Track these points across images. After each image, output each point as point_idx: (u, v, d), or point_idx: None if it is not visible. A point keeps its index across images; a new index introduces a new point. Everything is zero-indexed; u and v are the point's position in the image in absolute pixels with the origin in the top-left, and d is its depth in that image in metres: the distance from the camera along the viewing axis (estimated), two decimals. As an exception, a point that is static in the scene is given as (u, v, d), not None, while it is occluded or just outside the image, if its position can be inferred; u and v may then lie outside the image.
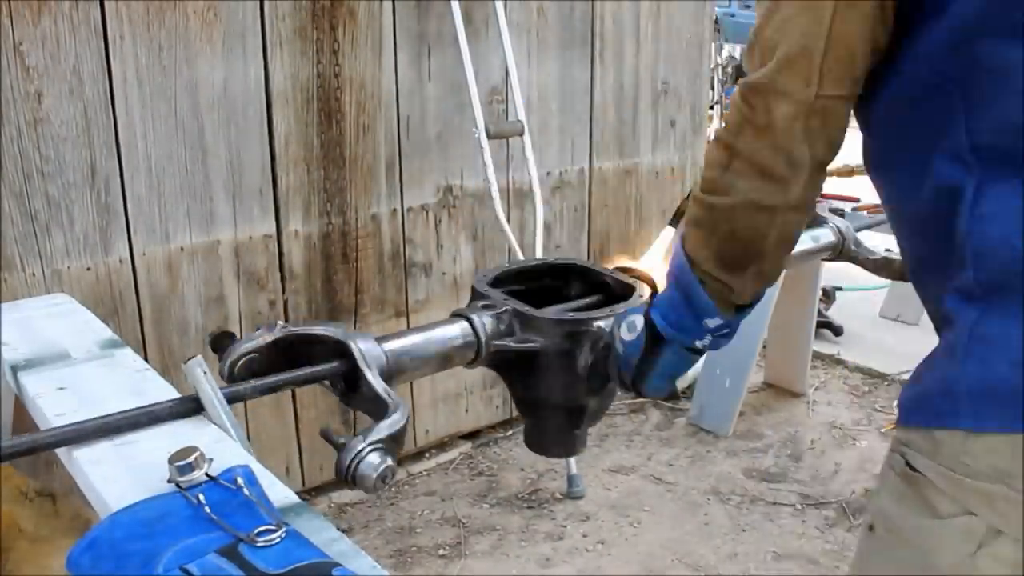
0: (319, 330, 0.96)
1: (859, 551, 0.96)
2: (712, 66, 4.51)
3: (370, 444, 0.84)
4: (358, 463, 0.83)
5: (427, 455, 2.70)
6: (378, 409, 0.92)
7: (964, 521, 0.79)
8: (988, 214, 0.76)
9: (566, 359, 1.07)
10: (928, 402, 0.81)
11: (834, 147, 0.85)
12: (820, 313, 3.41)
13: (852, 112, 0.89)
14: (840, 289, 3.79)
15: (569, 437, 1.17)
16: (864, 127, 0.90)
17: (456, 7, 2.31)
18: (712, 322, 0.93)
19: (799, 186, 0.83)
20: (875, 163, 0.91)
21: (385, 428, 0.87)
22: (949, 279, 0.80)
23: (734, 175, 0.84)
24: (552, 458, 2.28)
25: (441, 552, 2.27)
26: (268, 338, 0.93)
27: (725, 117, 0.84)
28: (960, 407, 0.77)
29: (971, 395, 0.77)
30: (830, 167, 0.89)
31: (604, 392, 1.10)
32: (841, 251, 1.57)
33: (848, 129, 0.86)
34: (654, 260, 1.23)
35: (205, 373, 0.91)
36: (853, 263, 1.61)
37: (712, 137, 0.85)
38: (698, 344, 0.96)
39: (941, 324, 0.84)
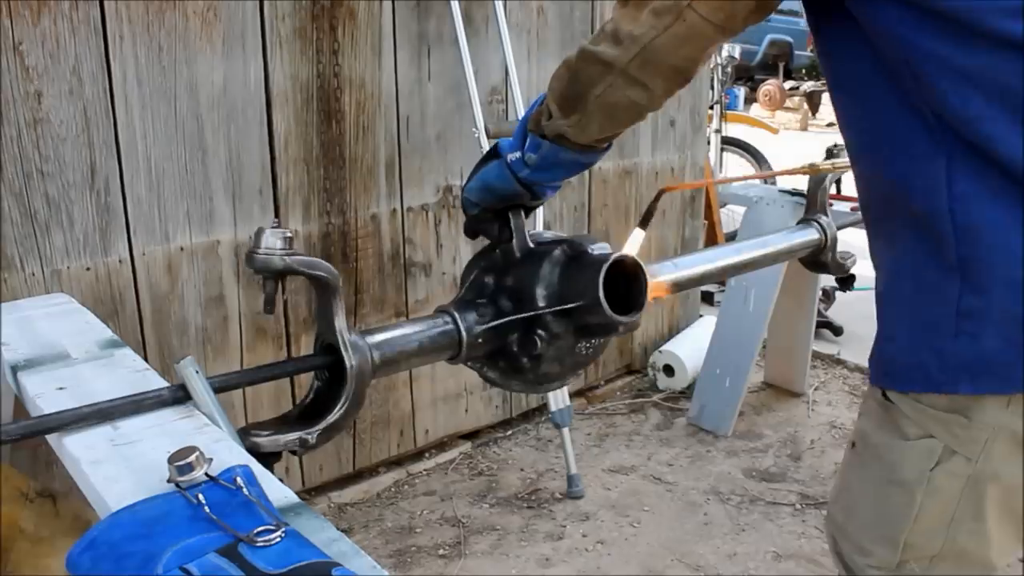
0: (320, 273, 1.05)
1: (843, 464, 1.11)
2: (712, 66, 4.51)
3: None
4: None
5: (427, 455, 2.70)
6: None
7: (926, 443, 0.94)
8: (964, 194, 0.85)
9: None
10: (924, 371, 0.92)
11: (683, 59, 0.92)
12: (820, 313, 3.41)
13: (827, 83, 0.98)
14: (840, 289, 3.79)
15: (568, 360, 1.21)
16: (835, 84, 0.98)
17: (456, 7, 2.31)
18: (528, 140, 1.06)
19: (631, 55, 0.91)
20: (848, 125, 0.98)
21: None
22: (929, 250, 0.89)
23: (603, 33, 0.94)
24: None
25: (441, 552, 2.27)
26: (278, 265, 1.01)
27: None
28: (959, 377, 0.89)
29: (968, 367, 0.88)
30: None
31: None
32: (822, 251, 1.57)
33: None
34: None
35: (197, 372, 0.94)
36: (823, 270, 1.62)
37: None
38: (511, 158, 1.08)
39: (919, 289, 0.92)
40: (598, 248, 1.13)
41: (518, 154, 1.07)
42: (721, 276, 1.43)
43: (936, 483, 0.93)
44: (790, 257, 1.61)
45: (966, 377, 0.88)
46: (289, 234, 0.99)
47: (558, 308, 1.10)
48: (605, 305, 1.05)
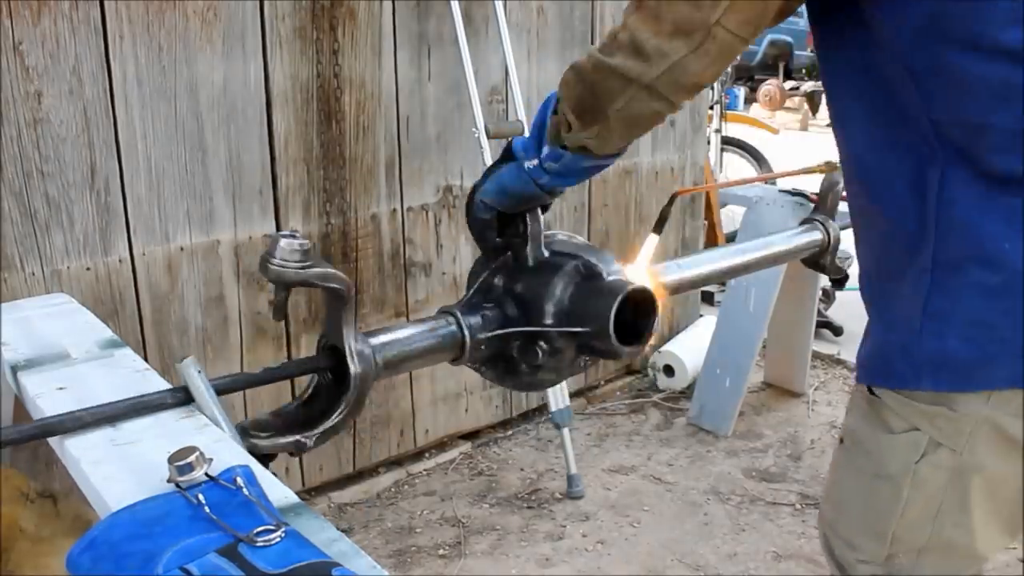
0: (334, 285, 1.01)
1: (833, 459, 1.13)
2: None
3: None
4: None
5: (427, 455, 2.70)
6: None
7: (911, 436, 0.96)
8: (952, 199, 0.87)
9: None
10: (891, 367, 0.97)
11: (710, 76, 0.91)
12: (820, 313, 3.41)
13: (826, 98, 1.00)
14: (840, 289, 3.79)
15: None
16: (832, 96, 1.00)
17: (456, 7, 2.31)
18: (548, 149, 1.03)
19: (658, 73, 0.89)
20: (841, 130, 1.01)
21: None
22: (909, 252, 0.92)
23: (616, 41, 0.91)
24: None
25: (441, 552, 2.27)
26: (292, 278, 0.96)
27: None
28: (921, 374, 0.93)
29: (931, 364, 0.92)
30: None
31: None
32: (824, 252, 1.56)
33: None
34: (640, 268, 1.23)
35: (199, 372, 0.94)
36: (821, 271, 1.61)
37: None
38: (528, 165, 1.05)
39: (896, 289, 0.96)
40: (613, 273, 1.10)
41: (535, 162, 1.04)
42: (724, 277, 1.44)
43: (921, 475, 0.96)
44: (793, 258, 1.60)
45: (928, 374, 0.92)
46: (308, 246, 0.94)
47: (566, 330, 1.09)
48: (613, 338, 1.04)
